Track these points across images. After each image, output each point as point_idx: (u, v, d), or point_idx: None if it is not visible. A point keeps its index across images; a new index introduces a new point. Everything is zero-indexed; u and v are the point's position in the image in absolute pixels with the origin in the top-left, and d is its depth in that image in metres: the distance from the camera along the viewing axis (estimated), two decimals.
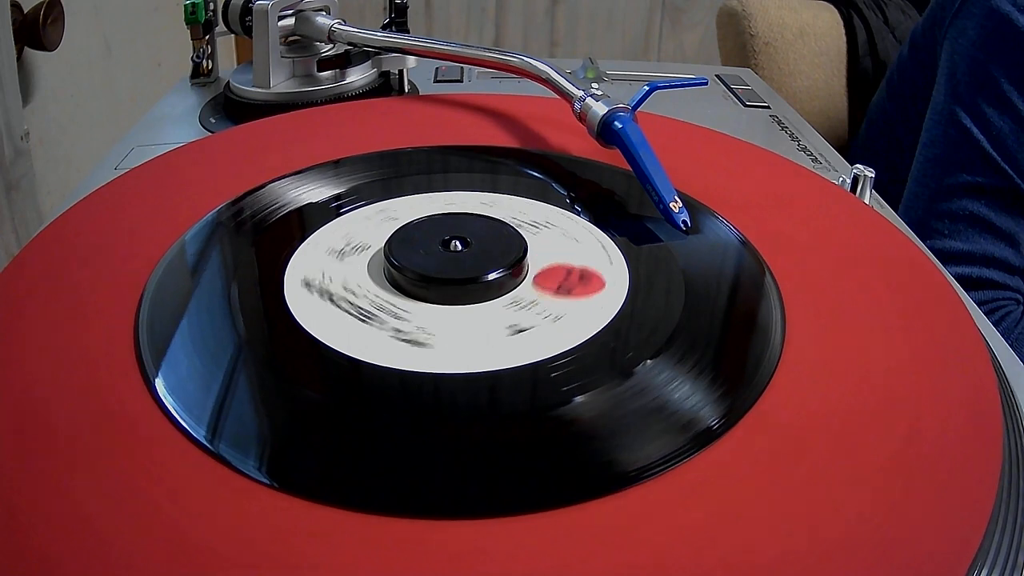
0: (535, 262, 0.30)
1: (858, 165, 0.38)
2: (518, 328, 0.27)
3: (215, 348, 0.26)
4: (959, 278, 0.61)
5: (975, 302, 0.61)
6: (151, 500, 0.21)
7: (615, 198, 0.36)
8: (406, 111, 0.45)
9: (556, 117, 0.41)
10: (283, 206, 0.34)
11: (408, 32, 0.56)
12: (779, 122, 0.53)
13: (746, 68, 0.68)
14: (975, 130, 0.62)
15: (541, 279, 0.29)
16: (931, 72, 0.69)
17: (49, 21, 0.72)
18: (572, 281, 0.29)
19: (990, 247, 0.62)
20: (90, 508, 0.20)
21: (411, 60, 0.51)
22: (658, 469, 0.22)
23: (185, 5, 0.53)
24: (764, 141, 0.47)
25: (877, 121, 0.79)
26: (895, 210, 0.43)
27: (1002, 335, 0.32)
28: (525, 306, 0.28)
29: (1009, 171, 0.61)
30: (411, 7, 0.56)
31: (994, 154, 0.61)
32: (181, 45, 0.60)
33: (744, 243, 0.32)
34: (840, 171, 0.46)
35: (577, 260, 0.30)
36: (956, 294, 0.30)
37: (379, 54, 0.51)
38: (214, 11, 0.54)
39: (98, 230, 0.33)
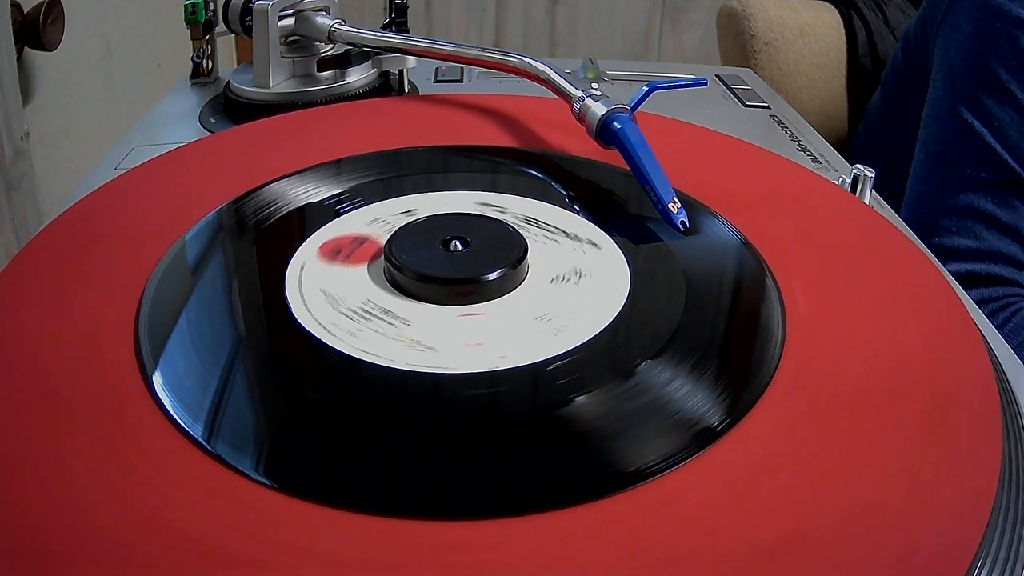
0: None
1: (858, 165, 0.38)
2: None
3: (214, 347, 0.26)
4: (968, 275, 0.61)
5: (984, 299, 0.60)
6: (148, 498, 0.21)
7: (615, 198, 0.36)
8: (406, 111, 0.45)
9: (556, 117, 0.41)
10: (283, 206, 0.34)
11: (408, 32, 0.56)
12: (779, 122, 0.53)
13: (746, 68, 0.68)
14: (976, 123, 0.62)
15: (324, 249, 0.31)
16: (925, 71, 0.69)
17: (49, 21, 0.72)
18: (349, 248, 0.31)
19: (997, 243, 0.62)
20: (87, 504, 0.20)
21: (411, 60, 0.51)
22: (659, 469, 0.22)
23: (185, 5, 0.53)
24: (764, 141, 0.47)
25: (874, 121, 0.79)
26: (894, 209, 0.43)
27: (1011, 333, 0.32)
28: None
29: (1011, 163, 0.61)
30: (411, 7, 0.56)
31: (996, 145, 0.61)
32: (181, 45, 0.60)
33: (744, 243, 0.32)
34: (840, 171, 0.46)
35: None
36: (956, 294, 0.30)
37: (379, 54, 0.51)
38: (214, 11, 0.54)
39: (98, 230, 0.33)
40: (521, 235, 0.30)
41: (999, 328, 0.48)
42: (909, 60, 0.73)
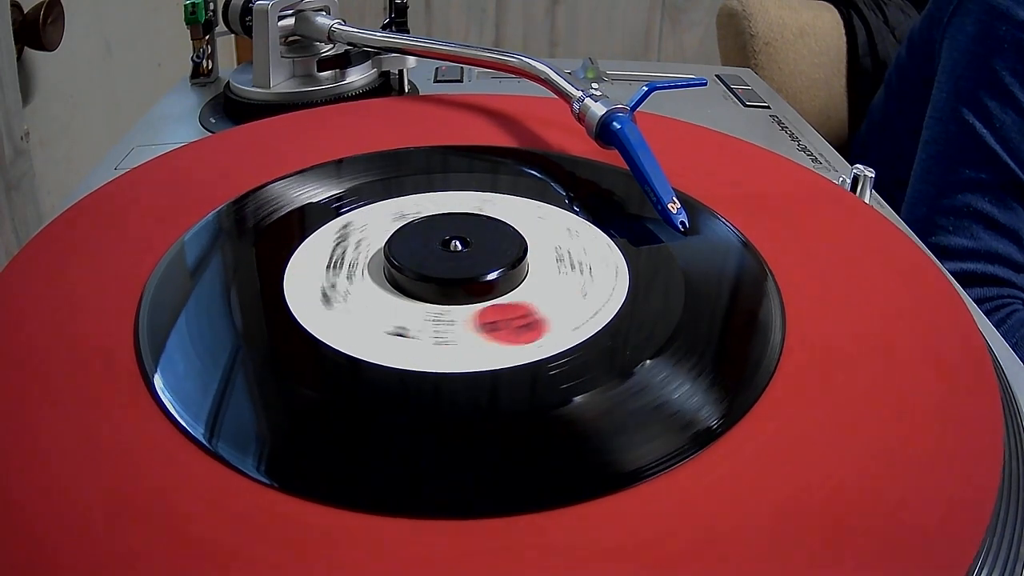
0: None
1: (858, 165, 0.38)
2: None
3: (215, 347, 0.26)
4: (964, 274, 0.61)
5: (979, 298, 0.61)
6: (150, 498, 0.21)
7: (615, 198, 0.36)
8: (406, 111, 0.45)
9: (556, 117, 0.41)
10: (283, 206, 0.34)
11: (408, 32, 0.56)
12: (779, 122, 0.53)
13: (746, 68, 0.68)
14: (978, 125, 0.63)
15: (488, 313, 0.27)
16: (930, 71, 0.69)
17: (49, 21, 0.72)
18: (513, 325, 0.27)
19: (994, 243, 0.62)
20: (88, 506, 0.20)
21: (411, 60, 0.51)
22: (658, 469, 0.21)
23: (185, 5, 0.53)
24: (764, 141, 0.47)
25: (877, 121, 0.79)
26: (895, 209, 0.43)
27: (1006, 334, 0.33)
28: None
29: (1012, 165, 0.62)
30: (411, 7, 0.56)
31: (997, 148, 0.62)
32: (181, 45, 0.60)
33: (744, 243, 0.32)
34: (840, 171, 0.46)
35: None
36: (957, 294, 0.30)
37: (379, 54, 0.51)
38: (214, 11, 0.54)
39: (98, 230, 0.33)
40: (521, 235, 0.30)
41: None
42: (914, 61, 0.73)
